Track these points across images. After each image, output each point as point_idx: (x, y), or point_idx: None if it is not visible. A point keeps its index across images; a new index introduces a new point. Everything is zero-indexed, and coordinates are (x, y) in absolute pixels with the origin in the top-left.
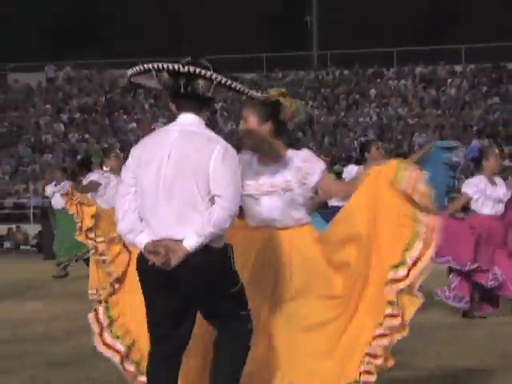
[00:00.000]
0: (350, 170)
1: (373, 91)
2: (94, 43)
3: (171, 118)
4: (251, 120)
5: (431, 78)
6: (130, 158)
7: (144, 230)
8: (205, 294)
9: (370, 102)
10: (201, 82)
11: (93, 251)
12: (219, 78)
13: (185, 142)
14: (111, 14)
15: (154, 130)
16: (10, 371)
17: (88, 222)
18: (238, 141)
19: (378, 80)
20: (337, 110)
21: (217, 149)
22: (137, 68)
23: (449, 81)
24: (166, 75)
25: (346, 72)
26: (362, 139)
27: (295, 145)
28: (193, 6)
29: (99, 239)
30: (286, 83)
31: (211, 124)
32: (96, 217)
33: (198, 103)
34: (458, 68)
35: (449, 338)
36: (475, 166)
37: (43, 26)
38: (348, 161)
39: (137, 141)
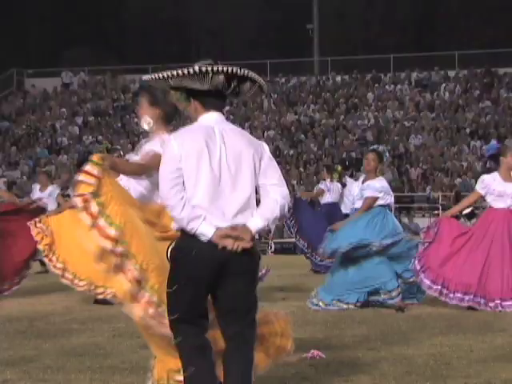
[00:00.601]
0: (351, 187)
1: (371, 95)
2: (106, 49)
3: (180, 121)
4: (143, 104)
5: (426, 82)
6: (174, 151)
7: (205, 217)
8: (244, 281)
9: (368, 106)
10: (248, 83)
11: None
12: (260, 80)
13: (233, 137)
14: (121, 19)
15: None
16: (28, 361)
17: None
18: None
19: (376, 85)
20: (337, 113)
21: (263, 145)
22: (190, 70)
23: (443, 85)
24: (222, 77)
25: (345, 77)
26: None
27: (297, 146)
28: (202, 14)
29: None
30: (289, 88)
31: None
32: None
33: (224, 102)
34: (452, 73)
35: (442, 329)
36: (494, 162)
37: (56, 31)
38: (344, 166)
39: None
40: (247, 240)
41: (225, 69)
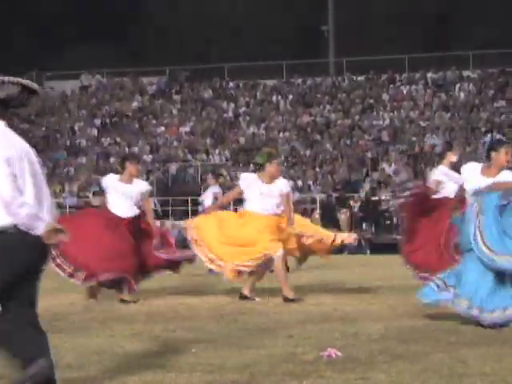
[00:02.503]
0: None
1: (386, 96)
2: (124, 51)
3: (198, 122)
4: None
5: (441, 82)
6: (3, 154)
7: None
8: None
9: (383, 106)
10: (33, 99)
11: None
12: (38, 91)
13: (22, 142)
14: (139, 20)
15: (180, 133)
16: None
17: None
18: (259, 143)
19: (391, 85)
20: (352, 113)
21: None
22: None
23: (458, 85)
24: (17, 88)
25: (360, 78)
26: (489, 138)
27: (313, 146)
28: (219, 17)
29: None
30: (305, 89)
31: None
32: None
33: (7, 113)
34: (467, 73)
35: (457, 326)
36: None
37: (74, 33)
38: None
39: (165, 144)
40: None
41: (21, 81)
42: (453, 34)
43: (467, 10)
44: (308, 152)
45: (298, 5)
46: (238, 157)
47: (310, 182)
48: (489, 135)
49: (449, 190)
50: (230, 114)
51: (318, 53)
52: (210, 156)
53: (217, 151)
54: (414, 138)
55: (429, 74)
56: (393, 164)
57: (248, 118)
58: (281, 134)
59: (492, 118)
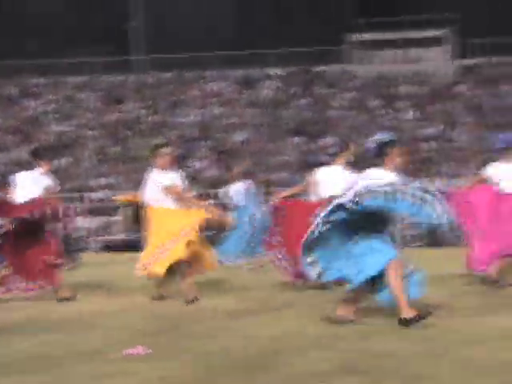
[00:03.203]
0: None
1: (194, 92)
2: None
3: (3, 119)
4: None
5: (248, 80)
6: None
7: None
8: None
9: (192, 103)
10: None
11: None
12: None
13: None
14: None
15: None
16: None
17: None
18: (68, 140)
19: (201, 81)
20: (161, 110)
21: None
22: None
23: (264, 83)
24: None
25: (169, 74)
26: (379, 138)
27: (125, 142)
28: (31, 16)
29: None
30: (112, 85)
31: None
32: None
33: None
34: (273, 71)
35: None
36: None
37: None
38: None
39: None
40: None
41: None
42: (259, 31)
43: (272, 7)
44: (117, 149)
45: (104, 2)
46: (44, 155)
47: (120, 179)
48: (376, 136)
49: (330, 191)
50: (37, 111)
51: (124, 50)
52: (15, 153)
53: (21, 148)
54: (220, 135)
55: (236, 72)
56: (202, 160)
57: (56, 115)
58: (89, 132)
59: (296, 116)
